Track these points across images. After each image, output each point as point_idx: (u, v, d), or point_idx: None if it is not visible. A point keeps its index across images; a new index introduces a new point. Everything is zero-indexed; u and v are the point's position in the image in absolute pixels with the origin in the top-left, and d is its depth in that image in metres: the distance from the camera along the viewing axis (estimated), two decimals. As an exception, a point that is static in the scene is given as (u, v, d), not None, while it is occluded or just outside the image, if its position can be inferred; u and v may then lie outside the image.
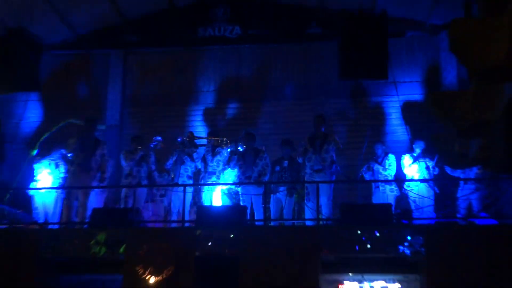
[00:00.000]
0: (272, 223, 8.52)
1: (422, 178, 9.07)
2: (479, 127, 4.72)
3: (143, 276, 6.89)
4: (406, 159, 9.36)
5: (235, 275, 6.93)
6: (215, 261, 7.26)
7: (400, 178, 9.34)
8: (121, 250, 7.32)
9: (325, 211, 8.28)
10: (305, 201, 8.50)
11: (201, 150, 9.62)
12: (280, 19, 12.13)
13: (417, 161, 9.20)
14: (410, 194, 9.02)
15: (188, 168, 9.26)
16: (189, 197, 8.71)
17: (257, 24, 12.21)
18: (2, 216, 8.59)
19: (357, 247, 6.95)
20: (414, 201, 8.90)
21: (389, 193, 9.16)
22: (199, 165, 9.27)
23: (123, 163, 9.24)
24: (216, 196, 9.03)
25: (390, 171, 9.34)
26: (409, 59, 11.62)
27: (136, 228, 7.60)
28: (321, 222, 7.88)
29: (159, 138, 9.53)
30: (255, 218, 8.59)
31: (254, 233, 7.28)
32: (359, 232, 6.95)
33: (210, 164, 9.11)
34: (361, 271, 7.51)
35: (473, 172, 8.54)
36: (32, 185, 9.49)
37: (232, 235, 7.13)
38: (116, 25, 12.49)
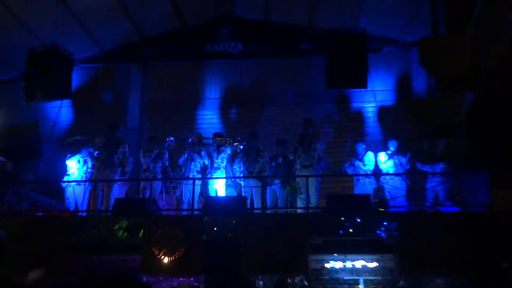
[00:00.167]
0: (268, 211, 8.49)
1: (396, 172, 9.03)
2: (444, 129, 4.69)
3: (158, 257, 6.89)
4: (382, 156, 9.31)
5: (237, 255, 6.91)
6: (219, 243, 7.23)
7: (377, 173, 9.30)
8: (140, 234, 7.31)
9: (313, 201, 8.25)
10: (297, 193, 8.47)
11: (208, 148, 9.57)
12: (276, 37, 12.10)
13: (391, 158, 9.16)
14: (386, 186, 8.98)
15: (197, 164, 9.20)
16: (197, 189, 8.66)
17: (256, 41, 12.18)
18: (39, 204, 8.57)
19: (341, 232, 6.95)
20: (389, 192, 8.84)
21: (368, 185, 9.11)
22: (206, 161, 9.22)
23: (142, 160, 9.19)
24: (220, 188, 8.98)
25: (369, 167, 9.29)
26: (385, 71, 11.59)
27: (152, 216, 7.58)
28: (310, 211, 7.84)
29: (172, 138, 9.49)
30: (255, 207, 8.55)
31: (253, 220, 7.27)
32: (342, 218, 6.95)
33: (216, 160, 9.06)
34: (344, 252, 7.49)
35: (440, 167, 8.50)
36: (64, 178, 9.45)
37: (234, 222, 7.11)
38: (136, 42, 12.47)
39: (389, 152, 9.29)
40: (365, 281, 7.92)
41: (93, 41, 11.99)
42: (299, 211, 8.22)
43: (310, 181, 8.00)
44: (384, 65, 11.59)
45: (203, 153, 9.18)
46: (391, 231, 6.81)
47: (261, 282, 7.41)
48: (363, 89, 8.66)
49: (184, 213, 8.61)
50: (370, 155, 9.37)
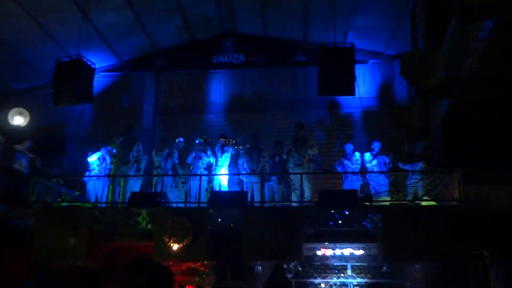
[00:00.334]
0: (266, 205, 8.47)
1: (380, 170, 9.03)
2: (422, 132, 4.69)
3: (169, 244, 6.87)
4: (368, 156, 9.31)
5: (238, 243, 6.90)
6: (223, 233, 7.22)
7: (363, 171, 9.29)
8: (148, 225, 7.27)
9: (307, 194, 8.23)
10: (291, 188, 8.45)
11: (213, 148, 9.55)
12: (274, 50, 12.09)
13: (376, 158, 9.15)
14: (371, 182, 8.96)
15: (204, 162, 9.22)
16: (204, 184, 8.67)
17: (257, 53, 12.17)
18: (64, 196, 8.57)
19: (331, 223, 6.92)
20: (374, 188, 8.84)
21: (355, 182, 9.09)
22: (212, 160, 9.22)
23: (154, 158, 9.21)
24: (224, 183, 8.98)
25: (356, 165, 9.30)
26: (370, 80, 11.55)
27: (163, 207, 7.57)
28: (303, 204, 7.83)
29: (181, 139, 9.48)
30: (255, 200, 8.54)
31: (253, 212, 7.26)
32: (332, 211, 6.92)
33: (220, 159, 9.07)
34: (334, 241, 7.48)
35: (419, 166, 8.48)
36: (86, 173, 9.45)
37: (236, 213, 7.10)
38: (150, 54, 12.46)
39: (373, 152, 9.30)
40: (352, 267, 7.94)
41: (113, 52, 12.01)
42: (293, 204, 8.22)
43: (304, 177, 8.00)
44: (369, 75, 11.58)
45: (209, 152, 9.18)
46: (376, 222, 6.78)
47: (260, 267, 7.40)
48: (351, 96, 8.64)
49: (192, 205, 8.62)
50: (357, 155, 9.37)
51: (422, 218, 6.56)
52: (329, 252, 7.88)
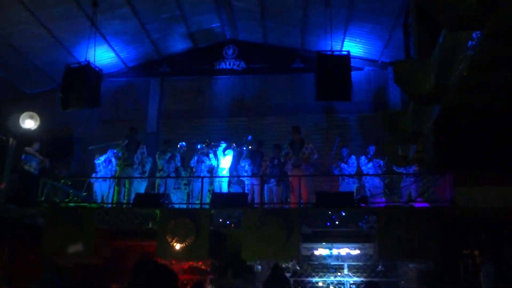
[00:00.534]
0: (266, 206, 8.47)
1: (375, 173, 9.03)
2: (415, 136, 4.70)
3: (171, 243, 6.86)
4: (363, 159, 9.32)
5: (239, 243, 6.90)
6: (224, 232, 7.22)
7: (359, 173, 9.30)
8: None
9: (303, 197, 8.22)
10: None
11: (216, 151, 9.56)
12: (273, 57, 12.16)
13: (371, 161, 9.16)
14: (367, 185, 8.96)
15: (206, 165, 9.24)
16: (206, 186, 8.67)
17: (257, 60, 12.23)
18: (71, 197, 8.59)
19: (328, 224, 6.91)
20: (369, 190, 8.84)
21: (351, 184, 9.11)
22: (214, 162, 9.24)
23: (157, 161, 9.24)
24: (225, 185, 9.00)
25: (352, 168, 9.30)
26: (366, 86, 11.59)
27: (166, 208, 7.58)
28: (301, 205, 7.84)
29: (184, 143, 9.48)
30: (256, 202, 8.53)
31: (253, 213, 7.26)
32: (329, 212, 6.91)
33: (222, 161, 9.09)
34: (331, 241, 7.48)
35: (412, 169, 8.49)
36: (93, 175, 9.47)
37: (237, 214, 7.09)
38: (155, 60, 12.53)
39: (368, 156, 9.31)
40: (349, 266, 7.94)
41: (120, 59, 12.07)
42: (292, 205, 8.22)
43: (302, 179, 8.01)
44: (365, 81, 11.61)
45: (211, 155, 9.20)
46: (371, 223, 6.78)
47: (259, 266, 7.40)
48: (347, 101, 8.67)
49: (194, 206, 8.62)
50: (353, 158, 9.38)
51: (416, 219, 6.54)
52: (326, 252, 7.88)
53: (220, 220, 7.08)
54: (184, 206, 8.58)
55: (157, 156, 9.26)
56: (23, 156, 8.77)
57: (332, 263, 7.97)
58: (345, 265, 7.95)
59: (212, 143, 9.23)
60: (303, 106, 11.61)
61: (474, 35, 2.71)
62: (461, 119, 3.75)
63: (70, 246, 7.07)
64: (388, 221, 6.62)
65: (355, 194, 8.03)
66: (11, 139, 8.03)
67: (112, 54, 11.70)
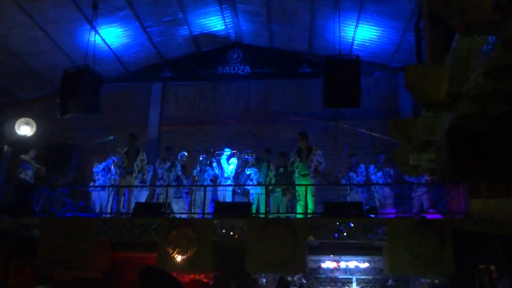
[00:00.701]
0: (271, 216, 8.45)
1: (385, 182, 8.99)
2: (427, 145, 4.69)
3: (172, 255, 6.82)
4: (373, 168, 9.30)
5: (243, 255, 6.86)
6: (227, 244, 7.19)
7: (368, 183, 9.26)
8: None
9: (310, 206, 8.20)
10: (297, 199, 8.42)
11: (219, 159, 9.54)
12: (279, 61, 12.20)
13: (381, 170, 9.13)
14: (376, 195, 8.93)
15: (210, 174, 9.25)
16: (209, 195, 8.67)
17: (262, 65, 12.28)
18: (68, 206, 8.60)
19: (336, 235, 6.85)
20: (379, 200, 8.81)
21: (360, 194, 9.07)
22: (217, 171, 9.23)
23: (157, 169, 9.27)
24: (229, 194, 8.99)
25: (361, 177, 9.27)
26: (376, 92, 11.59)
27: (167, 218, 7.56)
28: (308, 215, 7.81)
29: (185, 153, 9.46)
30: (262, 211, 8.49)
31: (257, 223, 7.23)
32: (337, 223, 6.87)
33: (226, 171, 9.09)
34: (338, 253, 7.43)
35: (424, 178, 8.45)
36: (91, 184, 9.50)
37: (241, 225, 7.06)
38: (157, 64, 12.61)
39: (378, 164, 9.29)
40: (357, 280, 7.88)
41: (120, 63, 12.15)
42: (298, 216, 8.19)
43: (308, 188, 7.98)
44: (375, 87, 11.61)
45: (214, 164, 9.18)
46: (381, 235, 6.73)
47: (264, 280, 7.36)
48: (356, 108, 8.67)
49: (196, 216, 8.61)
50: (362, 167, 9.35)
51: (428, 231, 6.49)
52: (333, 265, 7.83)
53: (223, 230, 7.04)
54: (186, 216, 8.58)
55: (157, 164, 9.28)
56: (20, 164, 8.81)
57: (340, 277, 7.91)
58: (354, 279, 7.89)
59: (216, 152, 9.23)
60: (310, 113, 11.62)
61: (489, 39, 2.71)
62: (476, 127, 3.73)
63: (66, 258, 7.05)
64: (399, 233, 6.58)
65: (364, 204, 7.99)
66: (6, 146, 8.08)
67: (113, 58, 11.79)
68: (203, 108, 12.34)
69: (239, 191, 9.04)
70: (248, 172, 8.98)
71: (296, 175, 8.48)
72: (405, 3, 9.17)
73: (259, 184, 8.72)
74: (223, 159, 9.18)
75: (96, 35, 9.67)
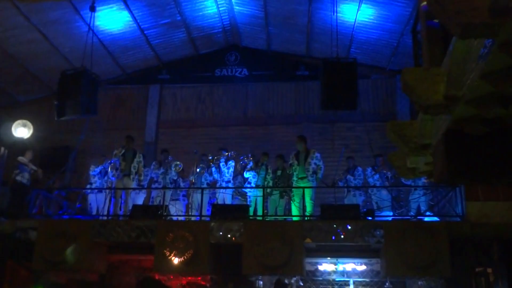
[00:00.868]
0: (268, 218, 8.44)
1: (382, 185, 9.00)
2: (424, 148, 4.68)
3: (169, 257, 6.81)
4: (370, 171, 9.30)
5: (240, 257, 6.86)
6: (224, 246, 7.18)
7: (365, 185, 9.26)
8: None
9: (309, 209, 8.20)
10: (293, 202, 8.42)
11: (218, 163, 9.48)
12: (277, 64, 12.21)
13: (378, 172, 9.14)
14: (373, 197, 8.93)
15: (208, 179, 9.25)
16: (206, 198, 8.65)
17: (260, 67, 12.28)
18: (65, 208, 8.57)
19: (333, 237, 6.86)
20: (376, 203, 8.81)
21: (357, 196, 9.08)
22: (216, 176, 9.20)
23: (151, 173, 9.27)
24: (227, 197, 8.98)
25: (358, 180, 9.28)
26: (373, 95, 11.61)
27: (164, 220, 7.54)
28: (305, 218, 7.80)
29: (180, 165, 9.38)
30: (259, 213, 8.49)
31: (255, 226, 7.23)
32: (334, 225, 6.88)
33: (226, 174, 9.08)
34: (336, 255, 7.43)
35: (421, 181, 8.46)
36: (87, 186, 9.46)
37: (238, 227, 7.06)
38: (154, 67, 12.60)
39: (376, 167, 9.29)
40: (354, 283, 7.87)
41: (117, 65, 12.14)
42: (295, 218, 8.18)
43: (306, 191, 7.99)
44: (372, 90, 11.64)
45: (213, 169, 9.13)
46: (378, 237, 6.74)
47: (261, 282, 7.35)
48: (353, 111, 8.70)
49: (193, 218, 8.59)
50: (359, 170, 9.35)
51: (425, 234, 6.50)
52: (331, 267, 7.82)
53: (221, 233, 7.04)
54: (183, 218, 8.55)
55: (152, 167, 9.28)
56: (17, 166, 8.78)
57: (337, 279, 7.90)
58: (351, 282, 7.88)
59: (215, 158, 9.17)
60: (308, 115, 11.64)
61: (486, 43, 2.71)
62: (473, 131, 3.72)
63: (63, 261, 7.02)
64: (396, 236, 6.59)
65: (361, 207, 7.99)
66: (2, 148, 8.05)
67: (110, 60, 11.77)
68: (200, 111, 12.34)
69: (237, 198, 9.05)
70: (246, 176, 8.97)
71: (294, 178, 8.48)
72: (402, 6, 9.20)
73: (256, 186, 8.71)
74: (222, 164, 9.16)
75: (94, 37, 9.65)
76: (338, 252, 7.30)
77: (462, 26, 2.43)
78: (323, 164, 8.56)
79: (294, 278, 7.15)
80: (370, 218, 7.33)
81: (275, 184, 8.71)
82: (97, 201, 9.08)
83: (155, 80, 12.55)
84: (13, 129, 8.95)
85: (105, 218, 8.31)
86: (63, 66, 9.55)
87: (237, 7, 11.03)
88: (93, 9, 8.94)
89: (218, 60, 12.43)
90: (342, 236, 6.80)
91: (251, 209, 8.33)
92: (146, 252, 7.24)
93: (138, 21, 10.71)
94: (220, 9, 11.04)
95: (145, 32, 11.15)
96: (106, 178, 9.29)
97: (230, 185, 8.98)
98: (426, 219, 7.54)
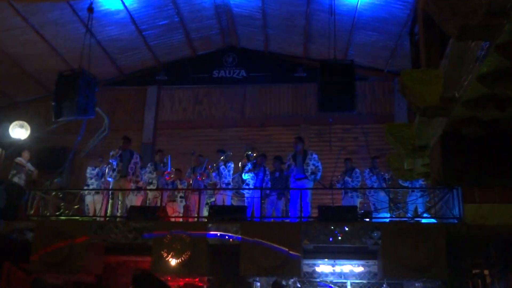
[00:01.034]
0: (266, 220, 8.44)
1: (379, 186, 9.01)
2: (421, 149, 4.71)
3: (167, 259, 6.80)
4: (367, 172, 9.31)
5: (237, 258, 6.85)
6: (222, 247, 7.17)
7: (363, 187, 9.27)
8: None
9: (305, 210, 8.20)
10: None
11: (218, 166, 9.44)
12: (275, 65, 12.22)
13: (375, 174, 9.15)
14: (371, 199, 8.94)
15: (205, 181, 9.25)
16: (204, 199, 8.64)
17: (258, 69, 12.29)
18: (63, 210, 8.55)
19: (330, 239, 6.85)
20: (374, 204, 8.82)
21: (355, 198, 9.08)
22: (216, 179, 9.18)
23: (144, 177, 9.27)
24: (226, 198, 8.97)
25: (356, 182, 9.28)
26: (370, 97, 11.64)
27: (162, 221, 7.52)
28: (303, 219, 7.80)
29: (174, 171, 9.35)
30: (257, 215, 8.48)
31: (252, 227, 7.21)
32: (332, 227, 6.88)
33: (226, 177, 9.07)
34: (333, 257, 7.42)
35: (418, 182, 8.47)
36: (85, 187, 9.44)
37: (235, 228, 7.05)
38: (152, 68, 12.59)
39: (373, 169, 9.30)
40: (352, 284, 7.86)
41: (115, 66, 12.12)
42: (293, 220, 8.18)
43: (303, 192, 7.98)
44: (369, 92, 11.66)
45: (214, 173, 9.12)
46: (375, 239, 6.75)
47: (258, 283, 7.34)
48: (351, 112, 8.72)
49: (191, 219, 8.58)
50: (357, 171, 9.36)
51: (422, 236, 6.51)
52: (328, 269, 7.81)
53: (218, 234, 7.03)
54: (181, 219, 8.54)
55: (147, 169, 9.26)
56: (14, 167, 8.76)
57: (334, 281, 7.90)
58: (348, 283, 7.88)
59: (214, 165, 9.14)
60: (306, 117, 11.65)
61: (483, 45, 2.73)
62: (470, 133, 3.74)
63: (60, 262, 7.00)
64: (393, 237, 6.59)
65: (358, 209, 7.99)
66: (0, 149, 8.03)
67: (108, 61, 11.76)
68: (198, 112, 12.33)
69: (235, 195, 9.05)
70: (245, 177, 8.96)
71: (292, 179, 8.48)
72: (400, 8, 9.23)
73: (254, 187, 8.71)
74: (221, 168, 9.14)
75: (91, 38, 9.64)
76: (336, 253, 7.30)
77: (459, 28, 2.45)
78: (320, 165, 8.57)
79: (292, 280, 7.14)
80: (367, 219, 7.33)
81: (273, 186, 8.70)
82: (94, 202, 9.06)
83: (152, 81, 12.54)
84: (10, 130, 8.94)
85: (102, 219, 8.29)
86: (61, 67, 9.52)
87: (235, 8, 11.04)
88: (91, 10, 8.94)
89: (216, 61, 12.44)
90: (340, 238, 6.80)
91: (249, 211, 8.32)
92: (143, 253, 7.21)
93: (136, 22, 10.71)
94: (218, 10, 11.05)
95: (143, 33, 11.14)
96: (103, 179, 9.28)
97: (229, 187, 8.96)
98: (423, 220, 7.55)
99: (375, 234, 6.73)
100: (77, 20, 9.97)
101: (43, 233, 7.27)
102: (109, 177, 8.84)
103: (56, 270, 7.13)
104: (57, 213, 8.31)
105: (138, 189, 8.99)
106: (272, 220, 8.50)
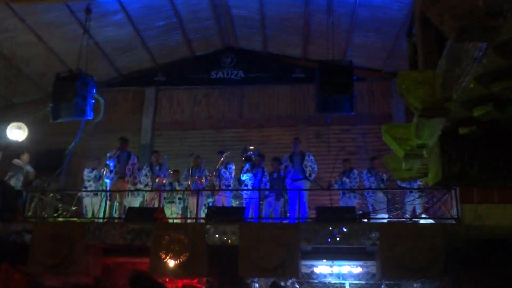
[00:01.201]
0: (264, 221, 8.43)
1: (378, 187, 9.01)
2: (419, 150, 4.70)
3: (165, 260, 6.81)
4: (366, 173, 9.31)
5: (236, 259, 6.85)
6: (220, 248, 7.17)
7: (361, 187, 9.27)
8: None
9: (303, 211, 8.19)
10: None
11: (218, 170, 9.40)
12: (273, 66, 12.21)
13: (373, 175, 9.15)
14: (369, 199, 8.94)
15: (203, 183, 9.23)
16: (203, 200, 8.63)
17: (256, 70, 12.28)
18: (61, 211, 8.53)
19: (329, 240, 6.87)
20: (372, 205, 8.82)
21: (353, 198, 9.08)
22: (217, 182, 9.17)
23: (141, 179, 9.27)
24: (225, 199, 8.96)
25: (354, 182, 9.28)
26: (368, 97, 11.64)
27: (160, 223, 7.52)
28: (301, 220, 7.80)
29: (171, 173, 9.33)
30: (256, 216, 8.47)
31: (251, 228, 7.22)
32: (330, 228, 6.88)
33: (226, 177, 9.06)
34: (332, 258, 7.44)
35: (417, 183, 8.48)
36: (82, 189, 9.41)
37: (234, 229, 7.05)
38: (150, 68, 12.57)
39: (371, 169, 9.30)
40: (350, 285, 7.88)
41: (113, 67, 12.10)
42: (291, 220, 8.18)
43: (301, 193, 7.98)
44: (367, 92, 11.67)
45: (216, 179, 9.10)
46: (374, 240, 6.76)
47: (257, 285, 7.34)
48: (349, 113, 8.73)
49: (189, 221, 8.56)
50: (355, 172, 9.37)
51: (420, 236, 6.52)
52: (326, 270, 7.82)
53: (217, 235, 7.03)
54: (179, 220, 8.52)
55: (143, 171, 9.25)
56: (12, 168, 8.72)
57: (332, 282, 7.91)
58: (347, 284, 7.89)
59: (214, 173, 9.11)
60: (304, 118, 11.64)
61: (481, 46, 2.72)
62: (468, 133, 3.73)
63: (58, 264, 6.98)
64: (392, 238, 6.60)
65: (357, 209, 8.00)
66: (-3, 151, 8.00)
67: (106, 62, 11.74)
68: (196, 113, 12.31)
69: (234, 196, 9.03)
70: (243, 178, 8.95)
71: (289, 180, 8.49)
72: (398, 9, 9.24)
73: (252, 188, 8.70)
74: (222, 171, 9.12)
75: (89, 39, 9.63)
76: (334, 254, 7.31)
77: (457, 30, 2.44)
78: (316, 166, 8.58)
79: (290, 281, 7.14)
80: (365, 220, 7.33)
81: (271, 187, 8.69)
82: (92, 204, 9.04)
83: (151, 82, 12.52)
84: (8, 131, 8.91)
85: (100, 221, 8.27)
86: (59, 68, 9.49)
87: (234, 9, 11.04)
88: (88, 11, 8.92)
89: (214, 62, 12.42)
90: (338, 239, 6.81)
91: (247, 212, 8.32)
92: (141, 254, 7.21)
93: (134, 23, 10.69)
94: (216, 11, 11.04)
95: (140, 34, 11.12)
96: (100, 181, 9.25)
97: (230, 188, 8.95)
98: (422, 221, 7.55)
99: (373, 235, 6.74)
100: (74, 21, 9.95)
101: (41, 235, 7.25)
102: (107, 178, 8.83)
103: (54, 272, 7.12)
104: (55, 215, 8.28)
105: (136, 190, 8.96)
106: (270, 221, 8.50)
